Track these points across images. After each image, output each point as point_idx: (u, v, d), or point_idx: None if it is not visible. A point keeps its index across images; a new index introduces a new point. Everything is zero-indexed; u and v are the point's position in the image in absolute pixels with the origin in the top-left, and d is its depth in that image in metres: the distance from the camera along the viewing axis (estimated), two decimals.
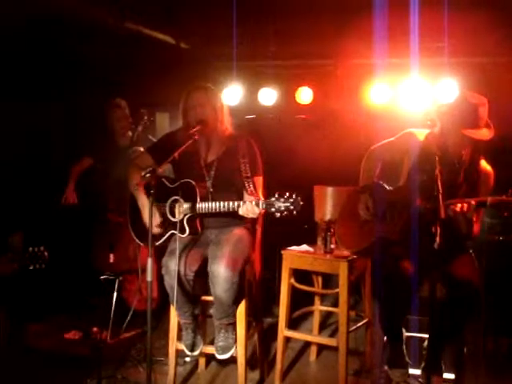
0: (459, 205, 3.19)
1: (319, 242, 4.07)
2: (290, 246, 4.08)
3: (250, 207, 3.33)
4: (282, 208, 3.19)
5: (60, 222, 5.10)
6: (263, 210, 3.32)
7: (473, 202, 3.19)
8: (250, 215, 3.39)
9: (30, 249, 3.49)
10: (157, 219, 3.59)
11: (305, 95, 5.80)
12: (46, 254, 3.52)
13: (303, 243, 4.13)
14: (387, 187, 3.59)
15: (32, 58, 4.70)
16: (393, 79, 5.49)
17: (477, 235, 3.43)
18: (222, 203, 3.44)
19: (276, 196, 3.21)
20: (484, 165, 3.47)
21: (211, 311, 3.65)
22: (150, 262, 3.13)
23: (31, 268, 3.50)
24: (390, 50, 5.00)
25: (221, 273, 3.40)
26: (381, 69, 5.36)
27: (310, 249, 4.05)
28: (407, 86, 5.37)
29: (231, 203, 3.41)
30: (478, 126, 3.29)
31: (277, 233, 4.74)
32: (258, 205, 3.29)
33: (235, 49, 5.24)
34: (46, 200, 4.99)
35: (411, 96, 5.34)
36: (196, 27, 5.50)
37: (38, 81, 4.85)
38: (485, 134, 3.29)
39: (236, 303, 3.57)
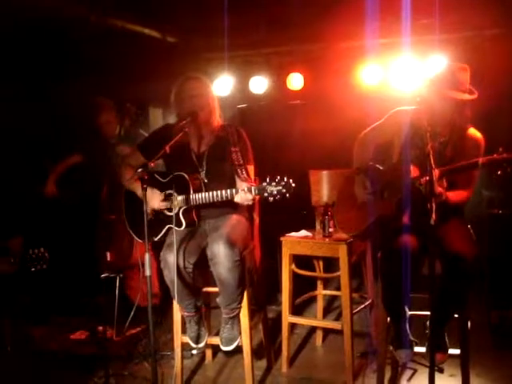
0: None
1: (318, 226, 4.06)
2: (290, 232, 4.08)
3: (243, 195, 3.31)
4: (275, 192, 3.16)
5: (60, 222, 5.10)
6: (257, 196, 3.32)
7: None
8: (245, 202, 3.38)
9: (30, 251, 3.53)
10: (159, 196, 3.59)
11: (296, 81, 5.79)
12: (46, 254, 3.56)
13: (302, 229, 4.13)
14: (381, 168, 3.59)
15: (16, 56, 4.66)
16: (383, 59, 5.46)
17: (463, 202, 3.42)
18: (215, 193, 3.42)
19: (267, 181, 3.18)
20: (473, 132, 3.44)
21: (217, 300, 3.63)
22: (147, 256, 3.13)
23: (33, 270, 3.52)
24: (380, 30, 4.98)
25: (221, 251, 3.37)
26: (371, 50, 5.33)
27: (309, 234, 4.05)
28: (398, 65, 5.35)
29: (224, 192, 3.39)
30: (459, 89, 3.30)
31: (275, 221, 4.73)
32: (250, 191, 3.27)
33: (226, 39, 5.20)
34: (43, 201, 4.97)
35: (402, 75, 5.32)
36: (182, 19, 5.46)
37: (23, 79, 4.82)
38: (466, 96, 3.30)
39: (241, 286, 3.52)
